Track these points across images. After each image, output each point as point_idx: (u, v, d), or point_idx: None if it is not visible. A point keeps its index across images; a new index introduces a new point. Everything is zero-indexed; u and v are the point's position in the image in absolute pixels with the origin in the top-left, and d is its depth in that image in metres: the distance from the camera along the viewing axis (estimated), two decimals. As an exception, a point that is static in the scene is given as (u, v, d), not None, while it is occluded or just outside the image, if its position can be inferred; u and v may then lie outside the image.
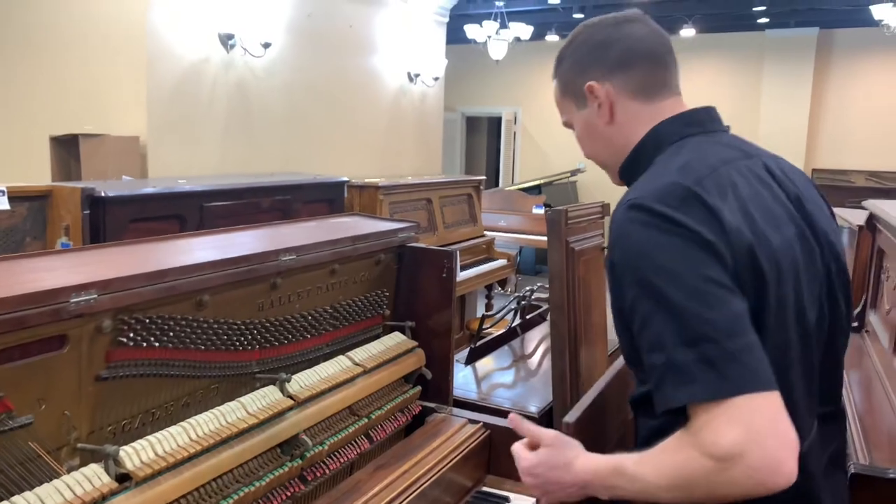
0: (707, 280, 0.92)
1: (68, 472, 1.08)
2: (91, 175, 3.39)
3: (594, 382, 2.09)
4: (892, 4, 6.35)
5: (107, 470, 1.11)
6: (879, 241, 2.66)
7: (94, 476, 1.08)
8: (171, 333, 1.29)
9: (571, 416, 1.46)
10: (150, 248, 1.48)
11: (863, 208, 3.62)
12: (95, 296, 1.11)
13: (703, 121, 1.16)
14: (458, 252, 1.87)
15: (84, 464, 1.12)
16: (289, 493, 1.41)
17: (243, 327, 1.45)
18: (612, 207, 2.47)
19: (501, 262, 5.26)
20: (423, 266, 1.95)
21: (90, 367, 1.16)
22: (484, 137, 12.77)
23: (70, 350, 1.12)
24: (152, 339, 1.25)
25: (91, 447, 1.13)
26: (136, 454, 1.15)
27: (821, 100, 9.13)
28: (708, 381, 0.89)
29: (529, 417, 2.01)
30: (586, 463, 1.08)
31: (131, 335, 1.21)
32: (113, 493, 1.09)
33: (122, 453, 1.13)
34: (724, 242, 0.96)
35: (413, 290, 1.97)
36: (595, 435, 1.20)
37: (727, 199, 1.00)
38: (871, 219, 2.76)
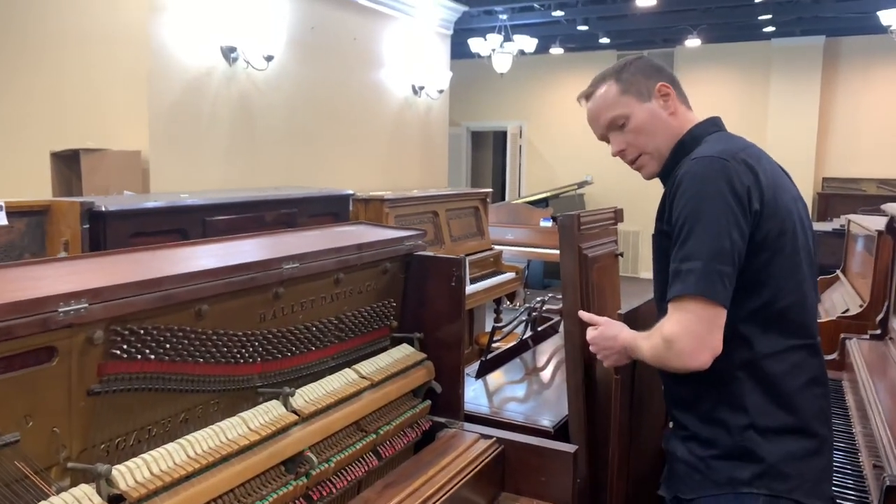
0: (723, 222, 1.34)
1: (57, 493, 1.01)
2: (92, 191, 3.34)
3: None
4: (899, 10, 6.29)
5: (98, 491, 1.04)
6: (901, 244, 2.58)
7: (84, 497, 1.01)
8: (168, 345, 1.22)
9: (623, 310, 1.79)
10: (147, 257, 1.42)
11: (879, 213, 3.54)
12: (86, 305, 1.05)
13: (719, 123, 1.60)
14: (466, 259, 1.80)
15: (74, 484, 1.05)
16: (293, 514, 1.34)
17: (244, 339, 1.39)
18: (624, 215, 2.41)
19: (510, 275, 5.19)
20: (431, 275, 1.88)
21: (81, 381, 1.09)
22: (489, 152, 12.73)
23: (59, 363, 1.05)
24: (147, 351, 1.19)
25: (82, 466, 1.07)
26: (130, 473, 1.08)
27: (829, 108, 9.06)
28: (682, 284, 1.36)
29: (544, 432, 1.94)
30: (625, 337, 1.60)
31: (125, 347, 1.15)
32: (104, 516, 1.02)
33: (115, 472, 1.06)
34: (758, 191, 1.39)
35: (421, 300, 1.90)
36: (640, 329, 1.60)
37: (761, 164, 1.45)
38: (892, 222, 2.69)
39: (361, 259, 1.71)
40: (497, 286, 4.96)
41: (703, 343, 1.35)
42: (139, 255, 1.43)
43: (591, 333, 1.67)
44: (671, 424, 1.63)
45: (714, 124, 1.58)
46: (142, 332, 1.17)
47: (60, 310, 1.02)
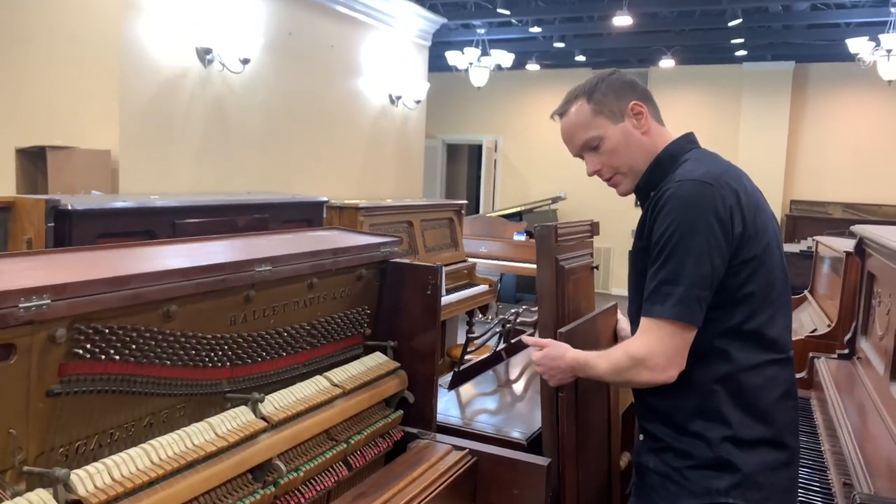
0: (706, 248, 1.38)
1: (12, 498, 0.96)
2: (58, 189, 3.25)
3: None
4: (867, 38, 6.46)
5: (55, 496, 0.99)
6: (869, 265, 2.61)
7: (40, 502, 0.96)
8: (134, 346, 1.18)
9: (564, 329, 1.78)
10: (114, 255, 1.38)
11: (845, 236, 3.60)
12: (48, 301, 1.01)
13: (694, 140, 1.61)
14: (443, 267, 1.78)
15: (31, 489, 1.00)
16: (260, 524, 1.30)
17: (213, 342, 1.34)
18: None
19: (483, 287, 5.17)
20: (407, 282, 1.86)
21: (41, 381, 1.04)
22: (464, 165, 12.76)
23: (17, 361, 1.00)
24: (112, 351, 1.14)
25: (39, 470, 1.01)
26: (90, 478, 1.04)
27: (798, 132, 9.26)
28: (661, 306, 1.40)
29: (517, 445, 1.92)
30: (572, 355, 1.62)
31: (88, 347, 1.10)
32: (61, 523, 0.97)
33: (73, 477, 1.02)
34: (740, 213, 1.42)
35: (396, 308, 1.87)
36: (582, 348, 1.67)
37: (742, 185, 1.48)
38: (861, 243, 2.72)
39: (336, 264, 1.67)
40: (470, 298, 4.94)
41: (672, 361, 1.42)
42: (106, 252, 1.38)
43: (536, 355, 1.69)
44: (641, 437, 1.64)
45: (690, 141, 1.60)
46: (107, 331, 1.13)
47: (21, 305, 0.98)
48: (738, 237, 1.41)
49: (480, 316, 5.42)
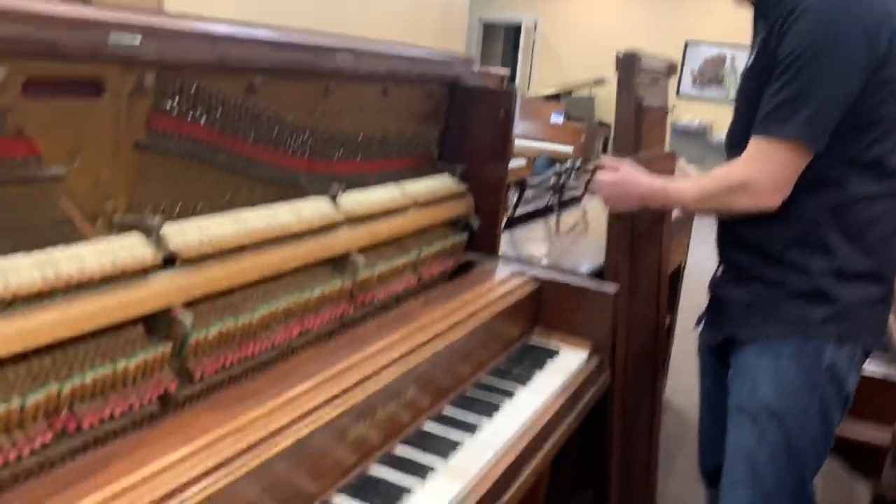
0: (847, 66, 1.26)
1: (103, 244, 0.93)
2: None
3: (651, 245, 1.95)
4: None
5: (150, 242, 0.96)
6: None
7: (136, 246, 0.93)
8: (219, 112, 1.12)
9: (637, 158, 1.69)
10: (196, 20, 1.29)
11: None
12: (139, 40, 0.93)
13: None
14: (517, 90, 1.69)
15: (121, 241, 0.96)
16: (338, 313, 1.28)
17: (293, 126, 1.28)
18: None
19: (521, 161, 5.08)
20: (478, 107, 1.77)
21: (129, 129, 0.99)
22: (500, 46, 12.29)
23: (108, 100, 0.95)
24: (198, 112, 1.08)
25: (131, 218, 0.98)
26: (183, 233, 1.00)
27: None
28: (782, 126, 1.29)
29: (578, 276, 1.89)
30: (649, 181, 1.55)
31: (176, 101, 1.04)
32: (156, 269, 0.95)
33: (165, 230, 0.98)
34: (889, 30, 1.27)
35: (465, 133, 1.79)
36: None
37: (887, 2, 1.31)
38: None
39: (411, 72, 1.59)
40: (511, 169, 4.86)
41: (780, 186, 1.32)
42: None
43: (610, 176, 1.59)
44: (721, 269, 1.58)
45: None
46: (193, 88, 1.06)
47: (111, 40, 0.91)
48: (882, 56, 1.27)
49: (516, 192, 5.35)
